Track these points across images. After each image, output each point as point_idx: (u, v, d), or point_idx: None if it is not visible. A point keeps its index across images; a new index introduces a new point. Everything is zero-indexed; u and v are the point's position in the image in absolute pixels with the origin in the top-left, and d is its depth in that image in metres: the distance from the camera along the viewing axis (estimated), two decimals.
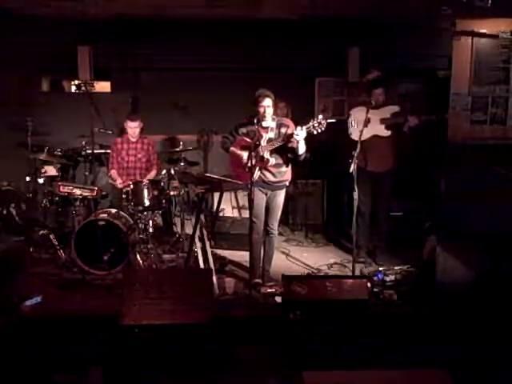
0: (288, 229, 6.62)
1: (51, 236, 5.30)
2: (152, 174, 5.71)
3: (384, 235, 5.42)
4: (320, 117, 4.30)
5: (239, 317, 4.06)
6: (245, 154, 4.58)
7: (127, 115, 5.85)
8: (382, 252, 5.39)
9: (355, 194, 4.59)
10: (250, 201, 4.36)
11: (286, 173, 4.70)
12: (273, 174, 4.61)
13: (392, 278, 4.77)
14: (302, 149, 4.45)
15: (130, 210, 5.15)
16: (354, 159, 4.74)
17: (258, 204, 4.61)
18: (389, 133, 5.17)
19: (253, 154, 4.39)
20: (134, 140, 5.79)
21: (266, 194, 4.69)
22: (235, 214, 6.19)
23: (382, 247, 5.41)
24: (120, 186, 5.51)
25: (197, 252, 4.71)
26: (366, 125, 5.04)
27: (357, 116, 5.20)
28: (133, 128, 5.71)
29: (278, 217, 4.79)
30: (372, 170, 5.19)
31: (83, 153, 6.20)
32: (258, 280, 4.69)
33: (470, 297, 3.84)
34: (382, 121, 5.16)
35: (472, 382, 3.16)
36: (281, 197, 4.73)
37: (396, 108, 5.18)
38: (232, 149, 4.72)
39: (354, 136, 5.12)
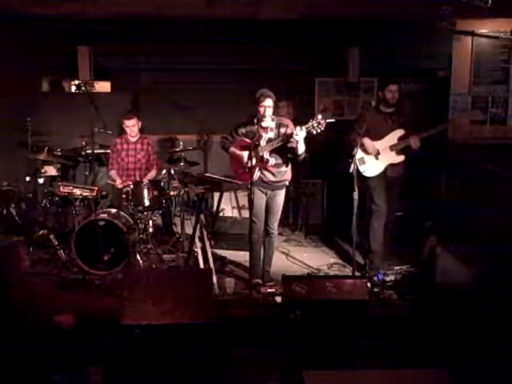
0: (288, 229, 6.62)
1: (51, 236, 5.30)
2: (152, 175, 5.71)
3: (391, 237, 5.39)
4: (319, 117, 4.30)
5: (239, 317, 4.07)
6: (245, 154, 4.58)
7: (123, 115, 5.84)
8: (388, 255, 5.31)
9: (355, 194, 4.58)
10: (250, 201, 4.36)
11: (286, 173, 4.70)
12: (273, 174, 4.62)
13: (392, 278, 4.78)
14: (301, 149, 4.45)
15: (130, 210, 5.15)
16: (354, 159, 4.75)
17: (258, 204, 4.61)
18: (402, 158, 5.03)
19: (252, 154, 4.40)
20: (133, 140, 5.78)
21: (266, 194, 4.69)
22: (235, 213, 6.19)
23: (388, 250, 5.36)
24: (120, 186, 5.51)
25: (197, 252, 4.72)
26: (377, 157, 5.01)
27: (361, 153, 5.00)
28: (130, 127, 5.70)
29: (278, 217, 4.79)
30: (390, 174, 5.09)
31: (83, 153, 6.20)
32: (257, 280, 4.70)
33: (469, 297, 3.84)
34: (392, 148, 5.02)
35: (472, 382, 3.16)
36: (281, 197, 4.73)
37: (402, 131, 5.00)
38: (232, 149, 4.72)
39: (368, 173, 4.98)
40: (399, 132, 5.03)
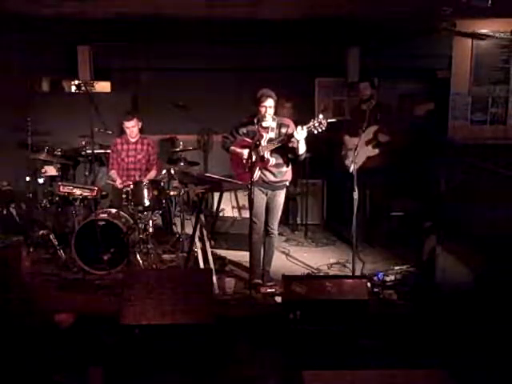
0: (288, 229, 6.62)
1: (51, 236, 5.30)
2: (152, 175, 5.70)
3: (384, 231, 5.45)
4: (321, 116, 4.30)
5: (239, 317, 4.07)
6: (245, 154, 4.58)
7: (123, 116, 5.83)
8: (387, 255, 5.40)
9: (355, 194, 4.59)
10: (250, 201, 4.36)
11: (287, 173, 4.70)
12: (273, 174, 4.61)
13: (392, 277, 4.77)
14: (302, 149, 4.45)
15: (130, 210, 5.15)
16: (354, 159, 4.77)
17: (258, 204, 4.61)
18: (377, 151, 5.44)
19: (253, 153, 4.39)
20: (133, 140, 5.78)
21: (266, 194, 4.69)
22: (235, 213, 6.19)
23: (384, 245, 5.44)
24: (120, 186, 5.51)
25: (197, 252, 4.71)
26: (356, 151, 5.17)
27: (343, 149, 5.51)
28: (130, 128, 5.69)
29: (278, 217, 4.79)
30: (369, 166, 5.38)
31: (83, 153, 6.20)
32: (257, 280, 4.69)
33: (469, 297, 3.84)
34: (368, 142, 5.39)
35: (472, 382, 3.16)
36: (281, 197, 4.73)
37: (376, 127, 5.38)
38: (232, 148, 4.72)
39: (351, 167, 5.12)
40: (374, 127, 5.40)
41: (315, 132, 4.30)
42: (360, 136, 5.05)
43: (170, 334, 3.54)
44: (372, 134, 5.39)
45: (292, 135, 4.36)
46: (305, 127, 4.30)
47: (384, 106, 5.67)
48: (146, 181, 5.22)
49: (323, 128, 4.28)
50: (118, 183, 5.58)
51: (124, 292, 3.65)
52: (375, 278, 4.72)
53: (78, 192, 5.18)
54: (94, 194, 5.25)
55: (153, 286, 3.65)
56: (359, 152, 5.16)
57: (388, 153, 5.44)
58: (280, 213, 4.79)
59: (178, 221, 5.97)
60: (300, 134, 4.30)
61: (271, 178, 4.62)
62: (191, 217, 6.03)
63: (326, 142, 6.13)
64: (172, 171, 5.62)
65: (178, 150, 6.28)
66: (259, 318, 4.05)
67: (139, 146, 5.79)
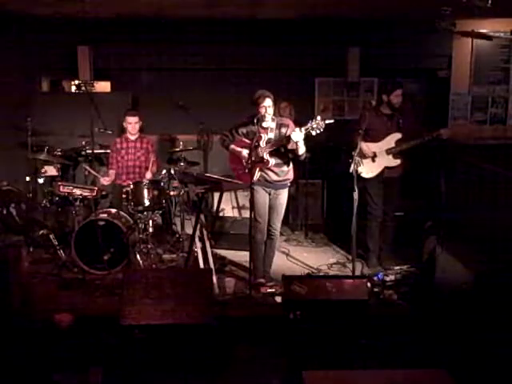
0: (288, 229, 6.62)
1: (51, 236, 5.30)
2: (153, 170, 5.71)
3: (391, 237, 5.38)
4: (318, 118, 4.28)
5: (239, 317, 4.07)
6: (245, 156, 4.56)
7: (126, 111, 5.85)
8: (388, 255, 5.32)
9: (355, 194, 4.58)
10: (251, 203, 4.35)
11: (289, 172, 4.70)
12: (276, 174, 4.60)
13: (392, 277, 4.78)
14: (301, 150, 4.44)
15: (130, 210, 5.15)
16: (354, 159, 4.75)
17: (261, 203, 4.61)
18: (398, 161, 5.04)
19: (253, 154, 4.39)
20: (133, 138, 5.78)
21: (270, 194, 4.68)
22: (235, 213, 6.18)
23: (388, 250, 5.34)
24: (105, 183, 5.60)
25: (197, 252, 4.72)
26: (374, 159, 5.03)
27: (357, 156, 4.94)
28: (132, 123, 5.70)
29: (281, 217, 4.78)
30: (387, 175, 5.11)
31: (83, 153, 6.20)
32: (261, 280, 4.69)
33: (469, 297, 3.84)
34: (389, 151, 5.02)
35: (472, 382, 3.16)
36: (284, 196, 4.72)
37: (399, 135, 4.99)
38: (232, 147, 4.71)
39: (365, 174, 5.02)
40: (397, 135, 5.02)
41: (313, 133, 4.28)
42: (359, 141, 4.81)
43: (170, 333, 3.54)
44: (394, 143, 5.00)
45: (290, 137, 4.34)
46: (303, 129, 4.28)
47: (406, 111, 5.18)
48: (145, 181, 5.22)
49: (321, 129, 4.25)
50: (103, 179, 5.60)
51: (124, 292, 3.65)
52: (375, 278, 4.72)
53: (78, 192, 5.18)
54: (94, 194, 5.25)
55: (153, 286, 3.64)
56: (377, 160, 5.04)
57: (406, 162, 5.08)
58: (283, 213, 4.78)
59: (177, 221, 5.97)
60: (298, 135, 4.28)
61: (274, 177, 4.61)
62: (191, 217, 6.02)
63: (326, 142, 6.14)
64: (172, 171, 5.62)
65: (177, 149, 6.29)
66: (259, 318, 4.05)
67: (138, 144, 5.80)
